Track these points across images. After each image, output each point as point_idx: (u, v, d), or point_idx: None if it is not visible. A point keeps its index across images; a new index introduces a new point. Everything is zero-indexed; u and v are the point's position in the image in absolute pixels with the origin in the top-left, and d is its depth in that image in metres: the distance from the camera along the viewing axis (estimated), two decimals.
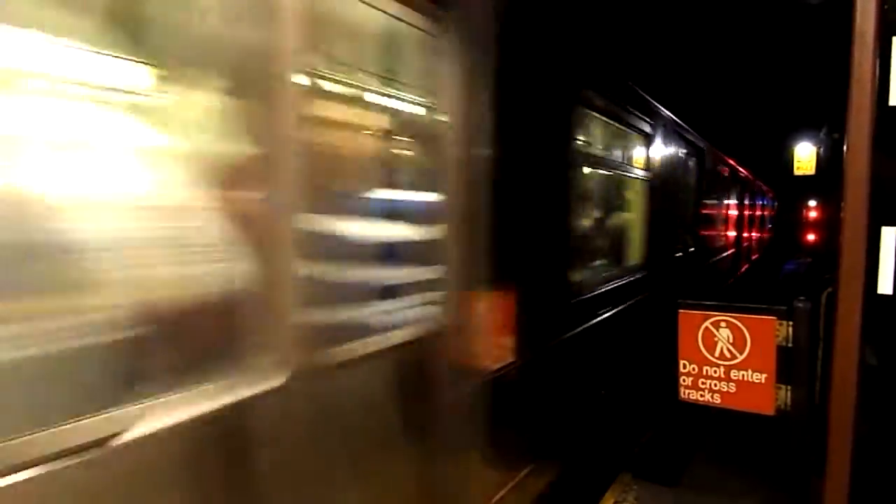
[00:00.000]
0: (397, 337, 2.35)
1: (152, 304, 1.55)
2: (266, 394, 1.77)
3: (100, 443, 1.38)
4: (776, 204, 25.61)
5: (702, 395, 3.85)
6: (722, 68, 8.53)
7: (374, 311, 2.36)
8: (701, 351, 3.83)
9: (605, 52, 4.81)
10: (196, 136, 1.73)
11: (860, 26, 2.25)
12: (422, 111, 2.63)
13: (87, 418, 1.37)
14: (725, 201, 12.31)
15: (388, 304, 2.41)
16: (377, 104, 2.48)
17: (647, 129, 6.09)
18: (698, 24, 6.79)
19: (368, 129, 2.43)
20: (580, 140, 4.59)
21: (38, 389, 1.36)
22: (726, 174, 11.88)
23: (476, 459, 2.88)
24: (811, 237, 23.29)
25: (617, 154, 6.01)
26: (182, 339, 1.65)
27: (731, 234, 13.32)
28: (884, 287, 2.23)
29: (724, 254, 12.27)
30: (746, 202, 15.60)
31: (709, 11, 6.46)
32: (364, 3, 2.21)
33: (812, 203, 24.45)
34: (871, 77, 2.25)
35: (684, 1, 6.24)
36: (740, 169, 13.66)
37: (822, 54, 5.77)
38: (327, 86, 2.15)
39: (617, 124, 5.54)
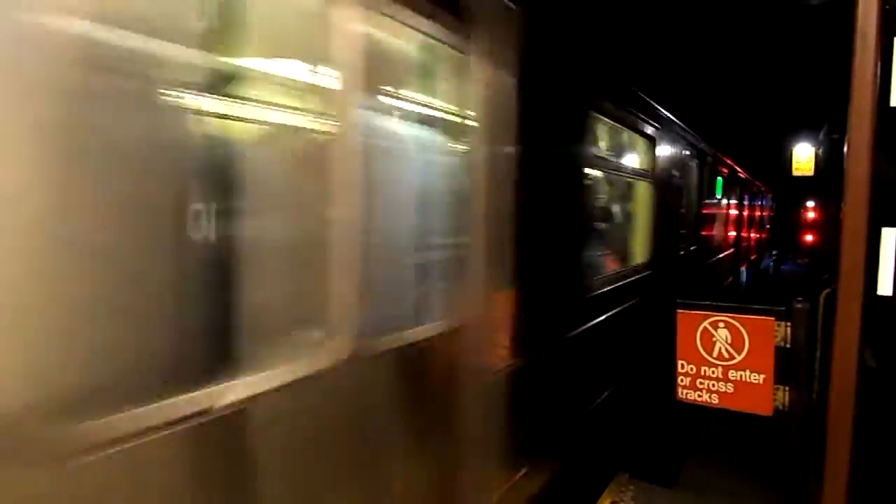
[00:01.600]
0: None
1: None
2: None
3: None
4: (774, 205, 25.65)
5: (700, 396, 3.85)
6: (722, 69, 8.53)
7: None
8: (699, 351, 3.82)
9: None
10: None
11: (862, 27, 2.25)
12: None
13: None
14: (726, 202, 12.39)
15: None
16: None
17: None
18: (699, 24, 6.79)
19: None
20: None
21: None
22: (727, 177, 11.95)
23: None
24: (809, 238, 23.32)
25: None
26: None
27: (731, 234, 13.42)
28: (883, 288, 2.22)
29: (725, 252, 12.42)
30: (745, 203, 15.64)
31: (709, 12, 6.45)
32: None
33: (810, 204, 24.48)
34: (872, 78, 2.24)
35: (685, 2, 6.23)
36: (739, 170, 13.69)
37: (821, 55, 5.77)
38: None
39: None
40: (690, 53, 7.65)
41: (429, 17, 2.29)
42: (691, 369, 3.87)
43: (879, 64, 2.24)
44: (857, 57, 2.27)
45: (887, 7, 2.22)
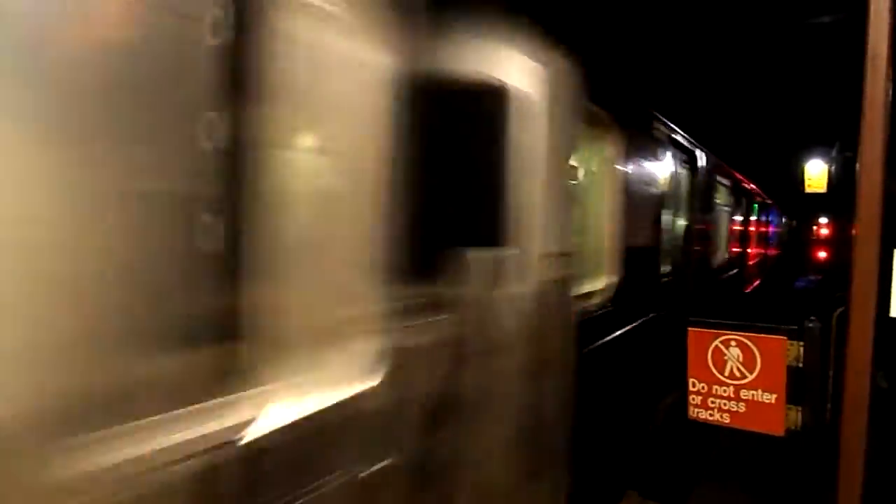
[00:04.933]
0: None
1: None
2: None
3: None
4: (786, 221, 25.50)
5: (711, 415, 3.81)
6: (734, 86, 8.53)
7: None
8: (710, 370, 3.80)
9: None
10: None
11: (873, 48, 2.25)
12: None
13: None
14: (742, 220, 12.53)
15: None
16: None
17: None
18: (712, 42, 6.82)
19: None
20: None
21: None
22: (744, 195, 12.05)
23: None
24: (822, 255, 23.16)
25: None
26: None
27: (750, 250, 13.60)
28: None
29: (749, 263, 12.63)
30: (759, 220, 15.65)
31: (722, 29, 6.48)
32: None
33: (823, 220, 24.32)
34: (883, 98, 2.24)
35: (698, 20, 6.26)
36: (753, 187, 13.69)
37: (833, 72, 5.76)
38: None
39: None
40: (705, 72, 7.67)
41: None
42: (703, 388, 3.84)
43: (890, 84, 2.23)
44: (868, 77, 2.27)
45: None
